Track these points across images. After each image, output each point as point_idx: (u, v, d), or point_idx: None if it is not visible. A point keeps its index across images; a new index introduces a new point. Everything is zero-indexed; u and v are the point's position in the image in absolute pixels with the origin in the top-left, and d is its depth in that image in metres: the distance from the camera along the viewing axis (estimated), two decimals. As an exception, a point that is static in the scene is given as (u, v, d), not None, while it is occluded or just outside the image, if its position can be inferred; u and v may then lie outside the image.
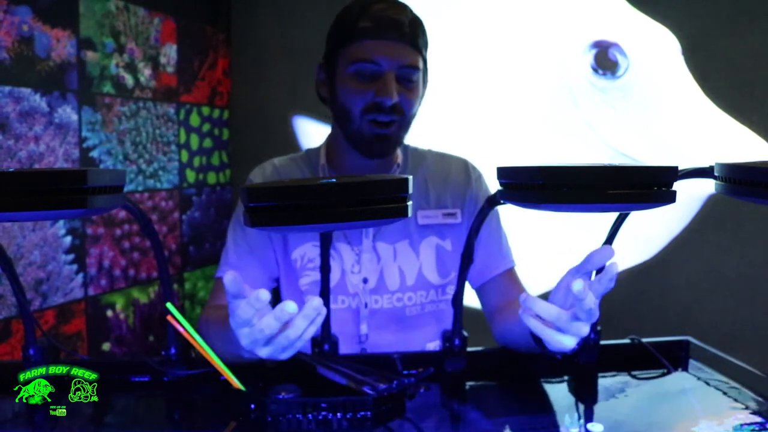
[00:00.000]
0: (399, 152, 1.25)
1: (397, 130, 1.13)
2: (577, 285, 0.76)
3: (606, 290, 0.81)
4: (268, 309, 0.81)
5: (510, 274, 1.24)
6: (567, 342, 0.83)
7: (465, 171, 1.27)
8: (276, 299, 1.31)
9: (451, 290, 1.21)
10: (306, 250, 1.20)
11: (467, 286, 1.25)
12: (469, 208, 1.24)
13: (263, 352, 0.83)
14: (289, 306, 0.77)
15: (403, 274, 1.20)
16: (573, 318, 0.81)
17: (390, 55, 1.10)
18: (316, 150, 1.27)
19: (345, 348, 1.15)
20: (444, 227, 1.22)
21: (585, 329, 0.82)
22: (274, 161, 1.27)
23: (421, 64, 1.15)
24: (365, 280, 1.19)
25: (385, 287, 1.20)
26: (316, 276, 1.18)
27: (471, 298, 1.19)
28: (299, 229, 0.71)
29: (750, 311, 2.11)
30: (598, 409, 0.92)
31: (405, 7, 1.15)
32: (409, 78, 1.12)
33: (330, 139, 1.24)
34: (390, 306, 1.20)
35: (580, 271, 0.83)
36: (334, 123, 1.20)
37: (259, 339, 0.81)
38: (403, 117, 1.12)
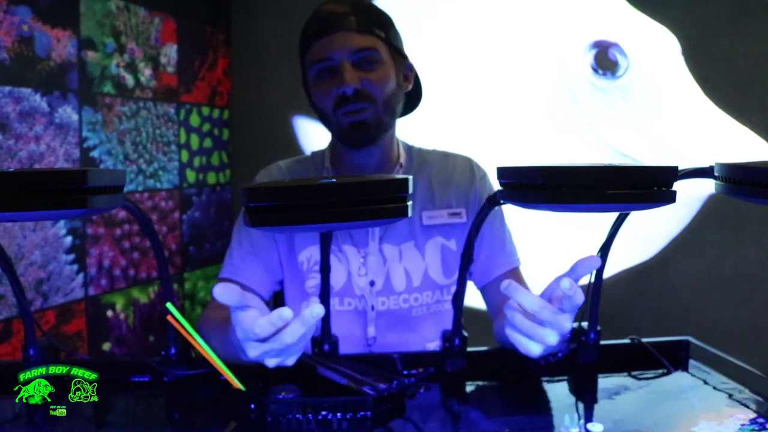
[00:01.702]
0: (402, 152, 1.24)
1: (373, 116, 1.11)
2: (566, 282, 0.77)
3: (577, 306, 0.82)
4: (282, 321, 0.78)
5: (513, 274, 1.24)
6: (534, 348, 0.83)
7: (469, 170, 1.27)
8: (279, 302, 1.31)
9: (456, 290, 1.22)
10: (312, 253, 1.20)
11: (472, 285, 1.26)
12: (474, 207, 1.24)
13: (273, 362, 0.82)
14: (316, 308, 0.76)
15: (409, 275, 1.20)
16: (557, 311, 0.81)
17: (337, 46, 1.10)
18: (321, 152, 1.27)
19: (352, 350, 1.15)
20: (449, 227, 1.22)
21: (568, 323, 0.82)
22: (279, 163, 1.28)
23: (380, 45, 1.13)
24: (372, 283, 1.19)
25: (392, 289, 1.20)
26: None
27: (471, 298, 1.19)
28: (299, 229, 0.71)
29: (750, 311, 2.11)
30: (598, 409, 0.92)
31: None
32: (368, 60, 1.11)
33: (332, 143, 1.24)
34: (396, 307, 1.20)
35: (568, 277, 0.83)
36: None
37: (276, 349, 0.79)
38: (374, 102, 1.11)
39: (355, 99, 1.09)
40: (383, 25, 1.15)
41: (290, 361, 0.84)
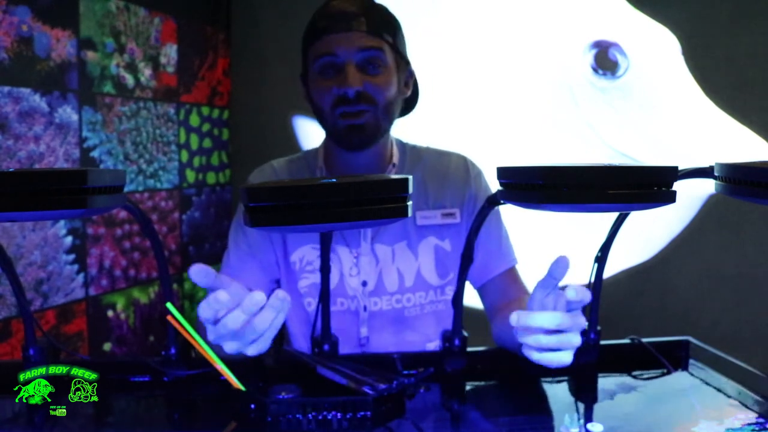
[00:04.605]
0: (396, 150, 1.24)
1: (372, 120, 1.11)
2: (572, 292, 0.81)
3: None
4: (233, 303, 0.79)
5: (510, 274, 1.24)
6: (567, 358, 0.86)
7: (464, 169, 1.26)
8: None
9: (450, 291, 1.21)
10: (305, 253, 1.19)
11: (469, 285, 1.26)
12: (468, 207, 1.23)
13: (229, 347, 0.82)
14: (257, 296, 0.77)
15: (402, 276, 1.20)
16: (572, 314, 0.85)
17: (345, 44, 1.10)
18: (314, 152, 1.27)
19: (346, 350, 1.15)
20: (443, 227, 1.22)
21: (582, 319, 0.87)
22: (272, 163, 1.28)
23: (386, 49, 1.12)
24: (364, 283, 1.19)
25: (384, 289, 1.20)
26: (315, 278, 1.18)
27: (471, 298, 1.19)
28: (299, 229, 0.71)
29: (750, 311, 2.11)
30: (598, 409, 0.92)
31: None
32: (373, 64, 1.11)
33: (325, 142, 1.24)
34: (389, 308, 1.20)
35: (549, 285, 0.85)
36: None
37: (224, 334, 0.80)
38: (374, 106, 1.11)
39: (355, 101, 1.09)
40: (391, 30, 1.15)
41: (252, 350, 0.82)
